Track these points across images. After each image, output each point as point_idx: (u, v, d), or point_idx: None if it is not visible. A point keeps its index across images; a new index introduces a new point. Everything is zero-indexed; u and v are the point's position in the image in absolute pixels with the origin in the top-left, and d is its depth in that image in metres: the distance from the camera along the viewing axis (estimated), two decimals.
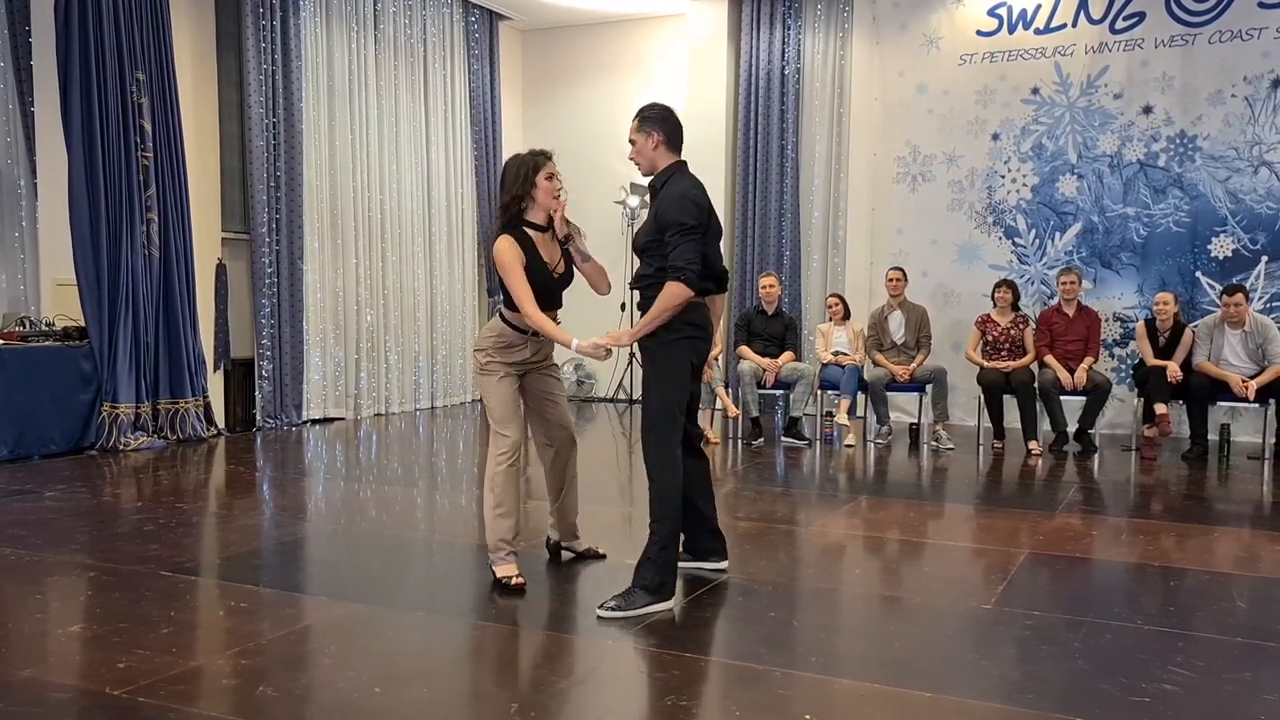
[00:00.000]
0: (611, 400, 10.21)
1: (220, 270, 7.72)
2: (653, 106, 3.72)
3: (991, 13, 8.43)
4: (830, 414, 7.81)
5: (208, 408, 7.45)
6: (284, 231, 8.04)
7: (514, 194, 3.82)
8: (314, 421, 8.36)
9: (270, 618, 3.46)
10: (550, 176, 3.82)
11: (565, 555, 4.23)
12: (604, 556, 4.20)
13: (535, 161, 3.81)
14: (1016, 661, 3.14)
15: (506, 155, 10.47)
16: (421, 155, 9.42)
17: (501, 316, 3.96)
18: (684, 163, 3.72)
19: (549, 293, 3.90)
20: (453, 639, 3.33)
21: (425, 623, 3.42)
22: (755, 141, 9.40)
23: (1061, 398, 7.20)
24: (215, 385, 7.66)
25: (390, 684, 2.87)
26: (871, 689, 2.89)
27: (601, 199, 9.97)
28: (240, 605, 3.58)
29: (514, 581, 3.72)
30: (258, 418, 7.92)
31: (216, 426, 7.54)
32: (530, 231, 3.86)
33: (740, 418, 7.70)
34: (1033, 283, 8.35)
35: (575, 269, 4.02)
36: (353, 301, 8.74)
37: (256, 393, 7.93)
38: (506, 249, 3.78)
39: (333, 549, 4.54)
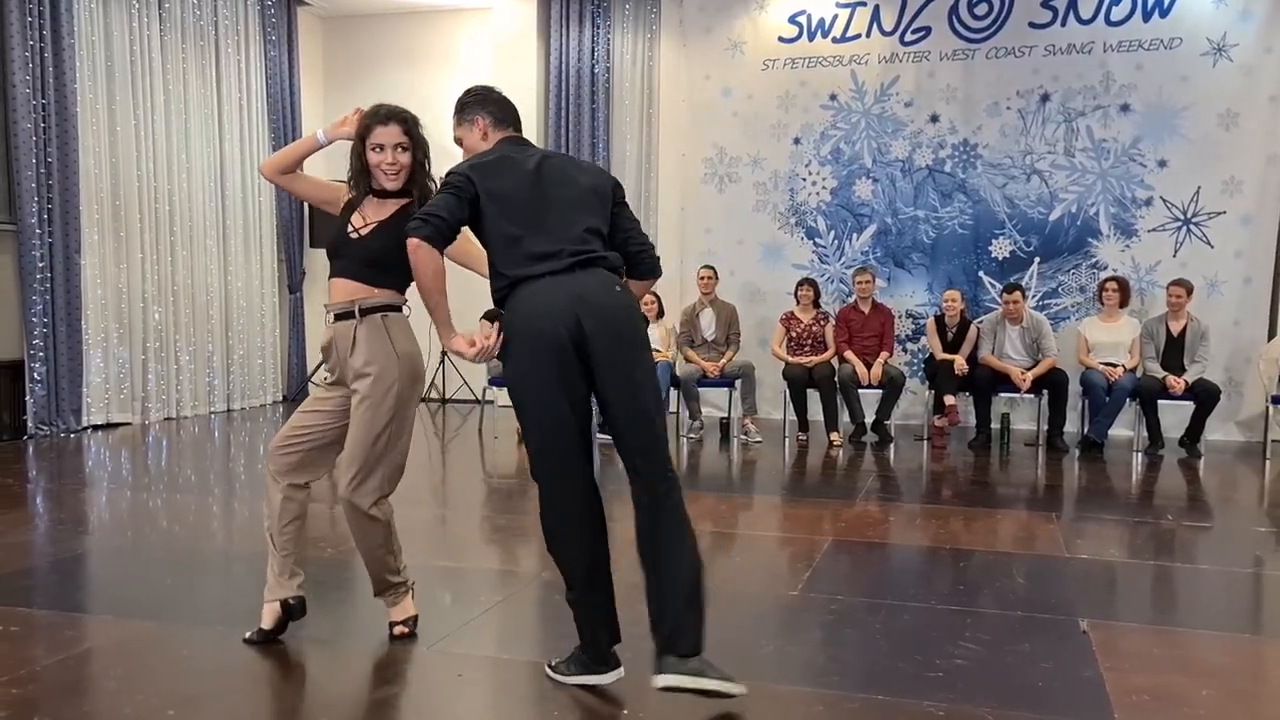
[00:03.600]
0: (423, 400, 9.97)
1: None
2: (465, 93, 3.08)
3: (792, 20, 8.74)
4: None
5: None
6: (57, 222, 7.40)
7: (351, 168, 3.16)
8: (96, 427, 7.74)
9: (45, 642, 3.16)
10: (378, 147, 3.11)
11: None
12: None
13: (364, 128, 3.13)
14: (822, 645, 3.25)
15: None
16: (214, 144, 8.88)
17: None
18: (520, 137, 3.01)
19: (340, 257, 3.15)
20: (253, 656, 3.13)
21: (223, 639, 3.21)
22: (566, 139, 9.39)
23: (860, 391, 7.56)
24: None
25: (185, 706, 2.67)
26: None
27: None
28: (9, 629, 3.25)
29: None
30: (29, 424, 7.26)
31: None
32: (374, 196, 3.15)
33: None
34: (832, 281, 8.71)
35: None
36: (139, 298, 8.15)
37: (27, 397, 7.27)
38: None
39: (118, 564, 4.20)
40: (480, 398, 8.54)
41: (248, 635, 3.17)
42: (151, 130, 8.21)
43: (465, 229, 2.84)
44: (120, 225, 7.97)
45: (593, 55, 9.30)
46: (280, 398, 9.63)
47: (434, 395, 9.84)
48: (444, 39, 9.88)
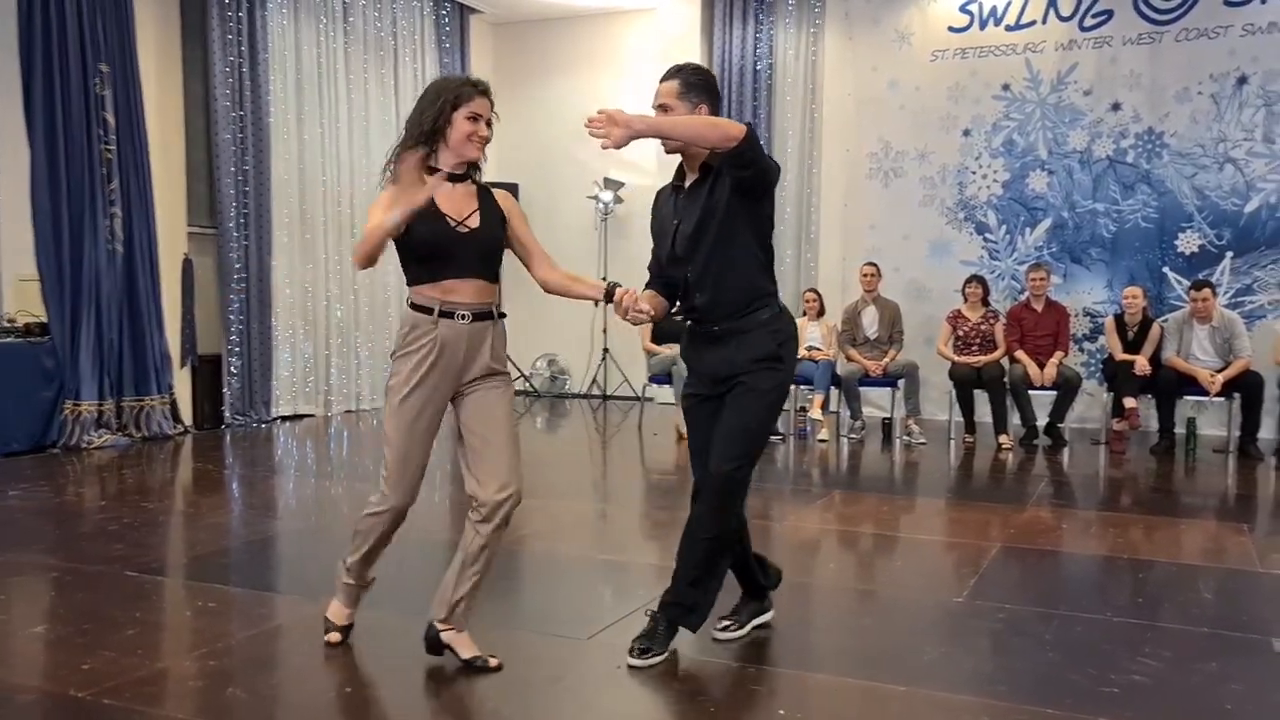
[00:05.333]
0: (585, 396, 10.18)
1: (187, 265, 7.61)
2: (696, 70, 3.07)
3: (963, 9, 8.47)
4: (804, 409, 7.82)
5: (174, 405, 7.34)
6: (252, 226, 7.94)
7: (423, 129, 2.90)
8: (283, 418, 8.27)
9: (239, 618, 3.41)
10: (474, 117, 2.91)
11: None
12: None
13: (459, 93, 2.89)
14: (989, 654, 3.15)
15: None
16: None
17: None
18: None
19: (452, 256, 2.92)
20: (421, 640, 3.29)
21: (399, 624, 3.38)
22: None
23: (1031, 392, 7.25)
24: (182, 382, 7.55)
25: (362, 686, 2.84)
26: (846, 683, 2.90)
27: (575, 195, 9.93)
28: (208, 605, 3.53)
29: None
30: (226, 415, 7.82)
31: (183, 424, 7.43)
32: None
33: None
34: (1003, 278, 8.40)
35: (512, 239, 3.10)
36: (322, 296, 8.66)
37: (225, 389, 7.83)
38: (384, 196, 2.91)
39: (305, 547, 4.49)
40: (640, 394, 8.66)
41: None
42: (336, 137, 8.71)
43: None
44: (307, 228, 8.48)
45: (755, 52, 9.27)
46: None
47: (595, 391, 10.04)
48: (609, 41, 10.06)
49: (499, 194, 3.11)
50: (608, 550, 4.47)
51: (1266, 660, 3.09)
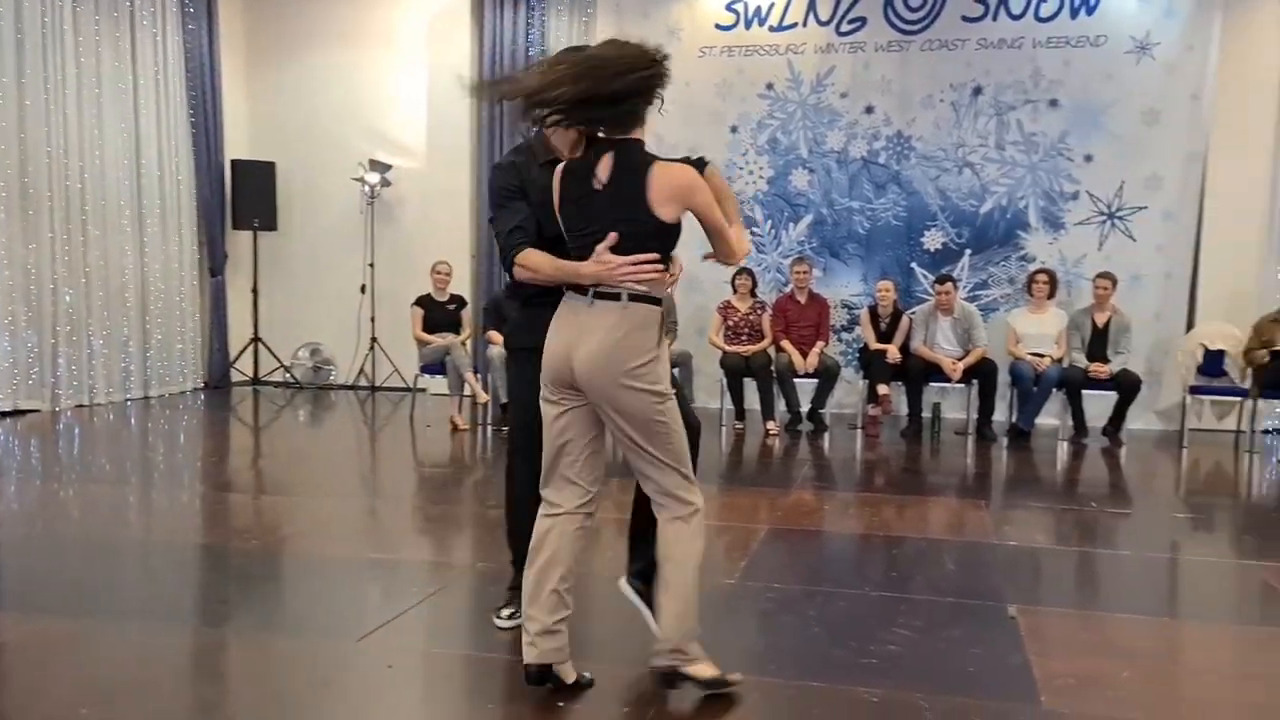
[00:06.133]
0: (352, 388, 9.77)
1: None
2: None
3: (729, 8, 8.71)
4: None
5: None
6: None
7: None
8: (3, 414, 7.42)
9: None
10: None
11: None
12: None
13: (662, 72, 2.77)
14: (759, 633, 3.25)
15: (228, 124, 9.82)
16: (129, 121, 8.54)
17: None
18: None
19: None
20: (174, 652, 3.01)
21: (139, 634, 3.08)
22: (501, 124, 9.25)
23: (796, 380, 7.59)
24: None
25: (100, 705, 2.55)
26: (622, 671, 2.88)
27: (338, 177, 9.49)
28: None
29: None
30: None
31: None
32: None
33: (490, 403, 7.57)
34: (769, 271, 8.73)
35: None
36: (48, 280, 7.81)
37: None
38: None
39: (29, 556, 4.01)
40: (412, 385, 8.39)
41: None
42: (63, 105, 7.87)
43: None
44: (29, 204, 7.62)
45: (527, 37, 9.17)
46: (201, 384, 9.35)
47: (363, 382, 9.66)
48: (374, 16, 9.63)
49: None
50: (378, 548, 4.28)
51: (1002, 625, 3.34)
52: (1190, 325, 7.91)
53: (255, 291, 9.69)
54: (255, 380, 9.73)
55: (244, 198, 9.46)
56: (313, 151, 9.67)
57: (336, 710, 2.66)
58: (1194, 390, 7.39)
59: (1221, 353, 7.42)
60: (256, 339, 9.71)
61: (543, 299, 2.81)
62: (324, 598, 3.55)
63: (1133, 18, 7.92)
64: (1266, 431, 7.47)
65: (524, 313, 2.99)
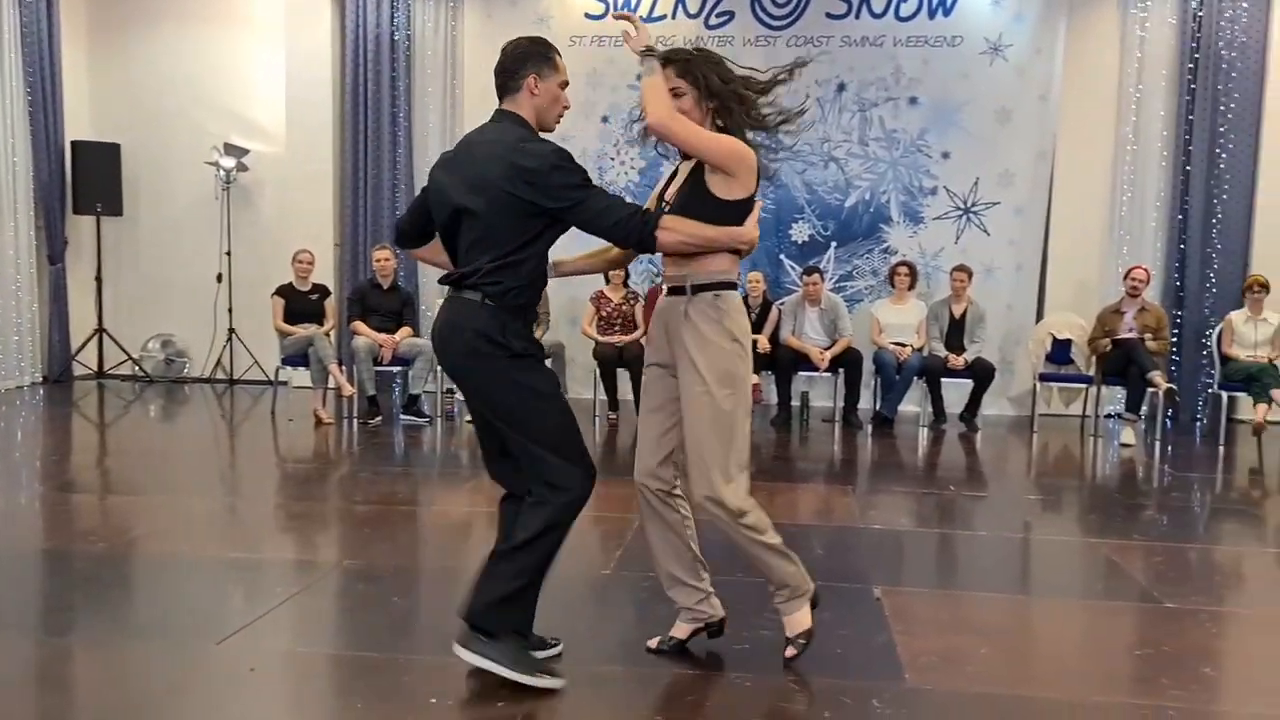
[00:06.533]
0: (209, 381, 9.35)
1: None
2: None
3: None
4: (451, 390, 7.70)
5: None
6: None
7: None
8: None
9: None
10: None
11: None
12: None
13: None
14: (635, 623, 3.24)
15: (68, 103, 9.22)
16: None
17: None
18: None
19: None
20: (21, 659, 2.81)
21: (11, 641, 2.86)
22: (365, 108, 8.99)
23: None
24: None
25: None
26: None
27: (190, 161, 9.05)
28: None
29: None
30: None
31: None
32: None
33: (356, 396, 7.36)
34: (641, 261, 8.75)
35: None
36: None
37: None
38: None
39: None
40: (274, 378, 8.08)
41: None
42: None
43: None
44: None
45: (392, 21, 8.94)
46: (40, 378, 8.78)
47: (220, 375, 9.26)
48: None
49: None
50: (238, 548, 4.10)
51: (869, 606, 3.43)
52: (1040, 316, 8.32)
53: (99, 280, 9.18)
54: (100, 374, 9.21)
55: (86, 181, 8.92)
56: (162, 133, 9.20)
57: (194, 715, 2.53)
58: (1043, 378, 7.78)
59: (1068, 341, 7.83)
60: (101, 330, 9.19)
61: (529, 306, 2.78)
62: (180, 601, 3.38)
63: (986, 20, 8.26)
64: (1108, 416, 7.92)
65: (526, 323, 2.82)
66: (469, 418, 7.28)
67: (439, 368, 7.66)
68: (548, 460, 2.65)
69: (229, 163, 8.97)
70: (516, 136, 2.66)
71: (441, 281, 2.77)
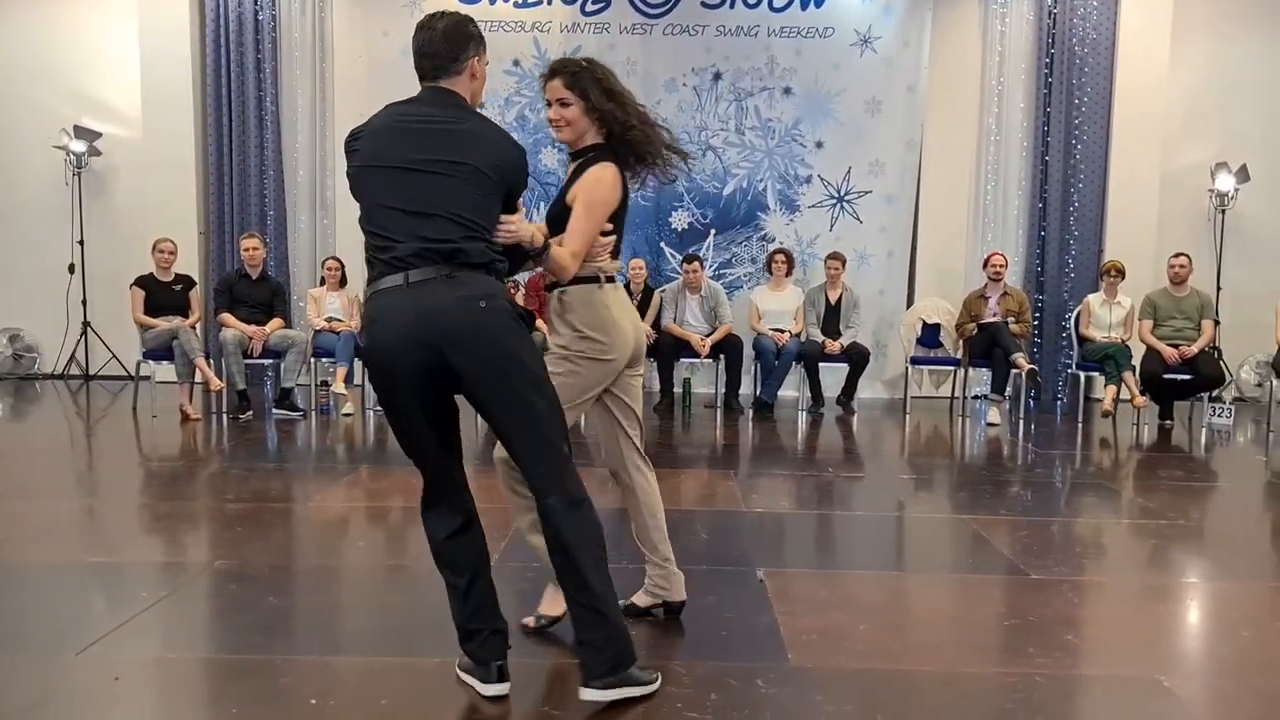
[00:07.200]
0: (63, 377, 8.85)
1: None
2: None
3: None
4: (326, 383, 7.48)
5: None
6: None
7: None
8: None
9: None
10: (547, 104, 3.18)
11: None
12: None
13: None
14: (517, 613, 3.21)
15: None
16: None
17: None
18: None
19: None
20: None
21: None
22: (229, 91, 8.63)
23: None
24: None
25: None
26: (380, 662, 2.78)
27: (37, 145, 8.54)
28: None
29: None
30: None
31: None
32: None
33: (225, 391, 7.07)
34: None
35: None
36: None
37: None
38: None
39: None
40: (134, 373, 7.70)
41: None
42: None
43: None
44: None
45: (256, 1, 8.60)
46: None
47: (75, 371, 8.78)
48: None
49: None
50: (98, 552, 3.89)
51: (752, 589, 3.48)
52: (910, 301, 8.60)
53: None
54: None
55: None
56: (7, 118, 8.65)
57: None
58: (914, 361, 8.04)
59: (938, 326, 8.12)
60: None
61: None
62: (34, 609, 3.19)
63: (857, 12, 8.47)
64: (976, 397, 8.25)
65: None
66: (346, 411, 7.12)
67: (311, 359, 7.46)
68: (559, 450, 2.61)
69: (79, 146, 8.50)
70: (490, 122, 2.64)
71: (419, 257, 2.47)
